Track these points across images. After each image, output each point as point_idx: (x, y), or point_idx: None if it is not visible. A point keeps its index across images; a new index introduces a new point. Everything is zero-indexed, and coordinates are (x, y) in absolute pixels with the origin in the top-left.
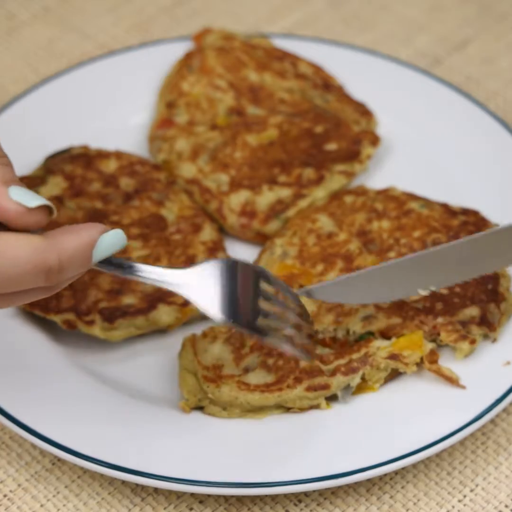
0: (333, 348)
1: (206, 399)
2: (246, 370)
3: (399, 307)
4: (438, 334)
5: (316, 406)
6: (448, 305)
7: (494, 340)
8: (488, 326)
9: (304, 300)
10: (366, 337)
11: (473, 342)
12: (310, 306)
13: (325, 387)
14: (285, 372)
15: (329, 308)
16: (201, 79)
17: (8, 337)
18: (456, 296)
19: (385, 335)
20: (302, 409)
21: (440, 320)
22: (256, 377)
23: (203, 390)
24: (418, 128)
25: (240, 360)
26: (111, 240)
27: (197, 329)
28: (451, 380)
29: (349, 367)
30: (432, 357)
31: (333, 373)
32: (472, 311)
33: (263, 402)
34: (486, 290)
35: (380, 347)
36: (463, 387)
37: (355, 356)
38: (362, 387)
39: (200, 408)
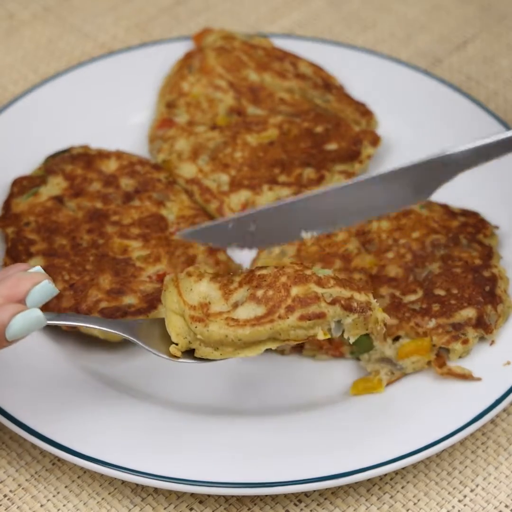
0: (329, 350)
1: (196, 341)
2: (235, 306)
3: (396, 308)
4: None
5: (313, 337)
6: (445, 307)
7: (492, 343)
8: (485, 328)
9: None
10: (361, 338)
11: (465, 342)
12: None
13: (321, 316)
14: (276, 302)
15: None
16: (201, 79)
17: None
18: (453, 298)
19: None
20: (298, 341)
21: (432, 323)
22: (246, 311)
23: (191, 331)
24: (418, 128)
25: (229, 295)
26: (23, 322)
27: None
28: (465, 377)
29: (349, 303)
30: (440, 361)
31: (332, 301)
32: (469, 313)
33: (255, 337)
34: (484, 292)
35: (379, 308)
36: (479, 379)
37: (357, 296)
38: (367, 387)
39: (191, 351)
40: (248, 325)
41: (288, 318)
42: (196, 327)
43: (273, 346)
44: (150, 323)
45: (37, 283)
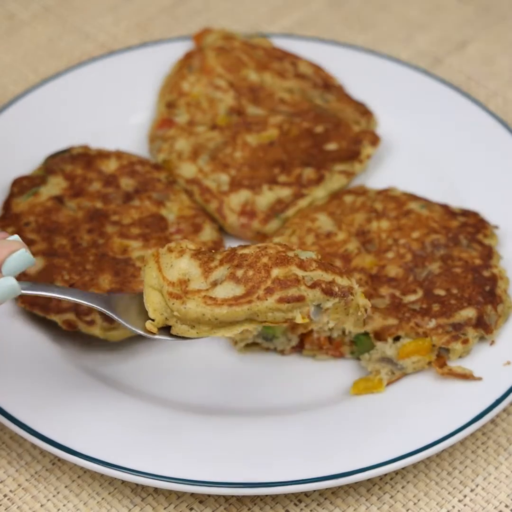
0: (329, 350)
1: (173, 318)
2: (215, 284)
3: (396, 308)
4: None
5: (291, 320)
6: (445, 307)
7: (492, 343)
8: (484, 328)
9: None
10: (361, 338)
11: (465, 342)
12: None
13: (300, 299)
14: (255, 283)
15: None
16: (201, 79)
17: (8, 337)
18: (453, 298)
19: (381, 336)
20: (276, 323)
21: (432, 323)
22: (224, 290)
23: (169, 308)
24: (418, 128)
25: (209, 273)
26: None
27: None
28: (466, 376)
29: (329, 287)
30: (441, 361)
31: (312, 285)
32: (469, 313)
33: (232, 317)
34: (484, 292)
35: (361, 293)
36: (479, 379)
37: (339, 280)
38: (367, 387)
39: (168, 328)
40: (225, 304)
41: (266, 300)
42: (173, 304)
43: (250, 327)
44: (128, 298)
45: (14, 251)
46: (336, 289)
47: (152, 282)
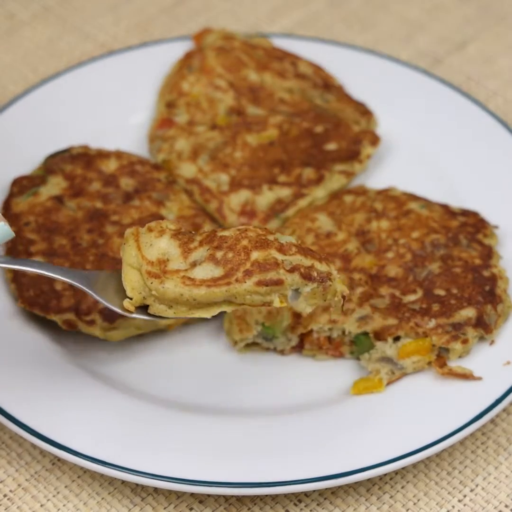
0: (329, 350)
1: (150, 297)
2: (194, 265)
3: (396, 308)
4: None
5: (269, 303)
6: (445, 306)
7: (492, 342)
8: (484, 328)
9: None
10: (361, 338)
11: (465, 342)
12: None
13: (278, 283)
14: (235, 265)
15: (325, 308)
16: (201, 79)
17: (8, 337)
18: (452, 297)
19: (381, 336)
20: (253, 306)
21: (432, 323)
22: (203, 271)
23: (147, 287)
24: (418, 128)
25: (188, 254)
26: None
27: (197, 329)
28: (466, 376)
29: (308, 272)
30: (441, 361)
31: (291, 269)
32: (468, 313)
33: (210, 298)
34: (483, 291)
35: (340, 279)
36: (479, 378)
37: (318, 265)
38: (367, 386)
39: (145, 307)
40: (204, 285)
41: (245, 282)
42: (151, 283)
43: (228, 309)
44: (107, 275)
45: None
46: (315, 274)
47: (131, 260)
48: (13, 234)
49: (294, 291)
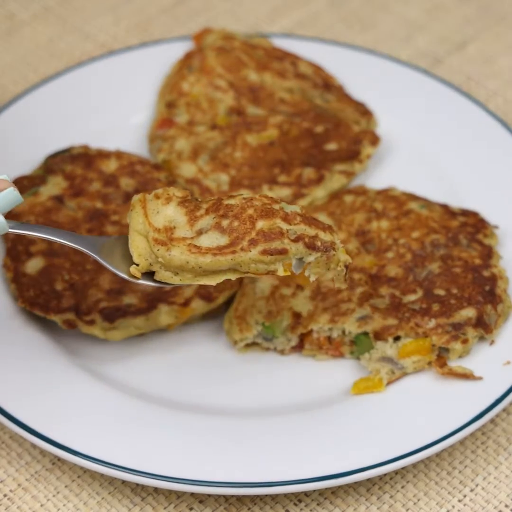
0: (329, 350)
1: (157, 264)
2: (200, 233)
3: (396, 308)
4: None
5: (273, 272)
6: (445, 306)
7: (492, 342)
8: (484, 328)
9: (301, 300)
10: (361, 338)
11: (465, 342)
12: (306, 305)
13: (283, 252)
14: (240, 234)
15: (325, 308)
16: (201, 79)
17: (8, 337)
18: (452, 297)
19: (381, 336)
20: (258, 274)
21: (432, 323)
22: (209, 240)
23: (153, 254)
24: (418, 128)
25: (195, 222)
26: None
27: (197, 329)
28: (466, 376)
29: (312, 242)
30: (441, 361)
31: (296, 239)
32: (469, 313)
33: (215, 266)
34: (483, 291)
35: (343, 249)
36: (480, 378)
37: (322, 235)
38: (368, 386)
39: (152, 273)
40: (209, 253)
41: (250, 251)
42: (158, 250)
43: (233, 277)
44: (113, 241)
45: (1, 190)
46: (319, 243)
47: (138, 227)
48: (22, 199)
49: (298, 260)
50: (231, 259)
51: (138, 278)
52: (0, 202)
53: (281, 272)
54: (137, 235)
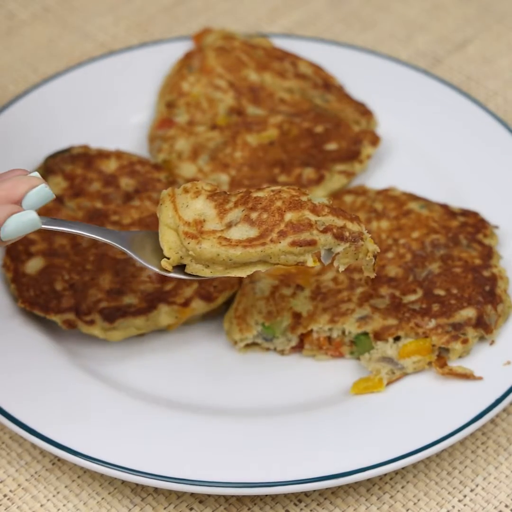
0: (329, 350)
1: (187, 257)
2: (229, 226)
3: (396, 308)
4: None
5: (303, 263)
6: (445, 306)
7: (492, 342)
8: (484, 328)
9: (301, 300)
10: (361, 338)
11: (465, 342)
12: (306, 305)
13: (312, 243)
14: (269, 226)
15: (325, 308)
16: (201, 79)
17: (8, 337)
18: (453, 297)
19: (381, 336)
20: (287, 265)
21: (432, 323)
22: (239, 232)
23: (184, 247)
24: (418, 128)
25: (224, 215)
26: (18, 222)
27: (197, 329)
28: (466, 376)
29: (340, 232)
30: (441, 361)
31: (324, 230)
32: (469, 313)
33: (245, 258)
34: (483, 291)
35: (370, 238)
36: (480, 378)
37: (350, 226)
38: (368, 386)
39: (182, 266)
40: (240, 245)
41: (279, 242)
42: (188, 243)
43: (263, 268)
44: (143, 236)
45: (34, 186)
46: (347, 234)
47: (167, 221)
48: (53, 196)
49: (327, 250)
50: (261, 251)
51: (169, 271)
52: (33, 198)
53: (310, 263)
54: (167, 229)
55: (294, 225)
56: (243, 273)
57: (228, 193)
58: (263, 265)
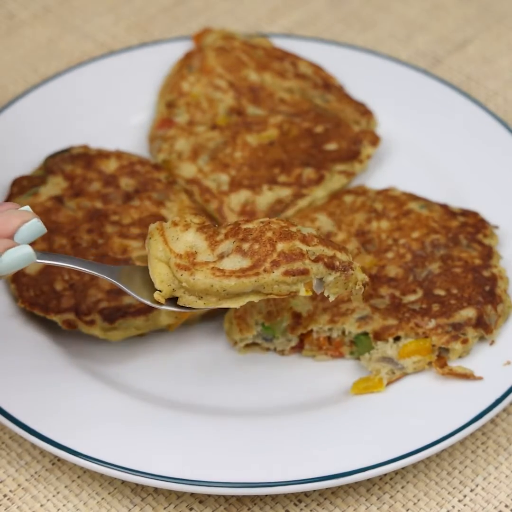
0: (329, 350)
1: (180, 289)
2: (221, 257)
3: (396, 308)
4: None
5: (295, 292)
6: (445, 307)
7: (492, 343)
8: (484, 328)
9: (301, 300)
10: (361, 338)
11: (465, 342)
12: (306, 305)
13: (304, 272)
14: (262, 256)
15: (325, 308)
16: (201, 79)
17: (8, 337)
18: (452, 298)
19: (381, 336)
20: (280, 296)
21: (432, 323)
22: (232, 263)
23: (176, 279)
24: (418, 128)
25: (215, 246)
26: (13, 257)
27: (197, 329)
28: (467, 376)
29: (331, 262)
30: (441, 362)
31: (316, 259)
32: (469, 313)
33: (239, 288)
34: (483, 291)
35: (359, 268)
36: (480, 378)
37: (339, 255)
38: (368, 386)
39: (175, 299)
40: (233, 276)
41: (273, 272)
42: (181, 275)
43: (256, 299)
44: (132, 269)
45: (26, 221)
46: (338, 263)
47: (158, 254)
48: (45, 230)
49: (319, 280)
50: (255, 281)
51: (162, 304)
52: (26, 233)
53: (303, 292)
54: (157, 262)
55: (286, 255)
56: (236, 304)
57: (216, 225)
58: (256, 295)
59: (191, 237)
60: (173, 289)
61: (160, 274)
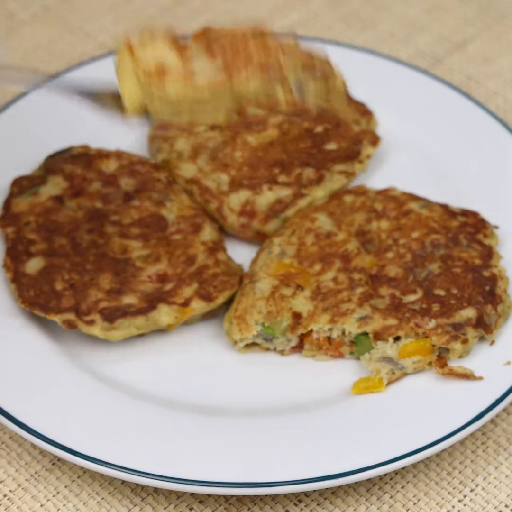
0: (329, 350)
1: (153, 102)
2: (193, 68)
3: (396, 308)
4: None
5: (273, 97)
6: (445, 307)
7: (492, 343)
8: (484, 328)
9: (301, 300)
10: (361, 338)
11: (465, 342)
12: (306, 305)
13: (279, 67)
14: (234, 52)
15: (325, 308)
16: None
17: (8, 337)
18: (453, 298)
19: (381, 336)
20: (258, 99)
21: (432, 323)
22: (204, 68)
23: (147, 93)
24: (418, 128)
25: (186, 57)
26: None
27: (197, 329)
28: (467, 376)
29: (309, 61)
30: (441, 362)
31: (291, 56)
32: (469, 313)
33: (214, 93)
34: (483, 291)
35: (338, 71)
36: (480, 378)
37: (317, 57)
38: (368, 386)
39: (145, 113)
40: (206, 85)
41: (247, 69)
42: (153, 87)
43: (233, 105)
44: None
45: None
46: (315, 62)
47: (127, 68)
48: None
49: (298, 87)
50: (228, 81)
51: (133, 115)
52: None
53: (281, 95)
54: (126, 77)
55: (258, 49)
56: (211, 118)
57: (184, 37)
58: (233, 102)
59: (160, 49)
60: (145, 104)
61: (130, 89)
